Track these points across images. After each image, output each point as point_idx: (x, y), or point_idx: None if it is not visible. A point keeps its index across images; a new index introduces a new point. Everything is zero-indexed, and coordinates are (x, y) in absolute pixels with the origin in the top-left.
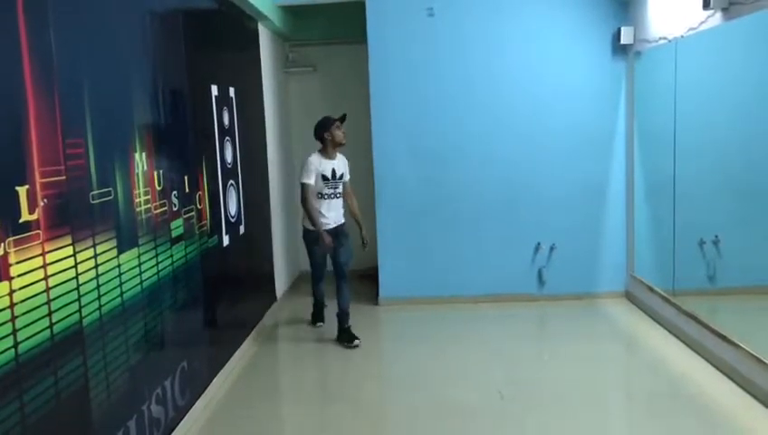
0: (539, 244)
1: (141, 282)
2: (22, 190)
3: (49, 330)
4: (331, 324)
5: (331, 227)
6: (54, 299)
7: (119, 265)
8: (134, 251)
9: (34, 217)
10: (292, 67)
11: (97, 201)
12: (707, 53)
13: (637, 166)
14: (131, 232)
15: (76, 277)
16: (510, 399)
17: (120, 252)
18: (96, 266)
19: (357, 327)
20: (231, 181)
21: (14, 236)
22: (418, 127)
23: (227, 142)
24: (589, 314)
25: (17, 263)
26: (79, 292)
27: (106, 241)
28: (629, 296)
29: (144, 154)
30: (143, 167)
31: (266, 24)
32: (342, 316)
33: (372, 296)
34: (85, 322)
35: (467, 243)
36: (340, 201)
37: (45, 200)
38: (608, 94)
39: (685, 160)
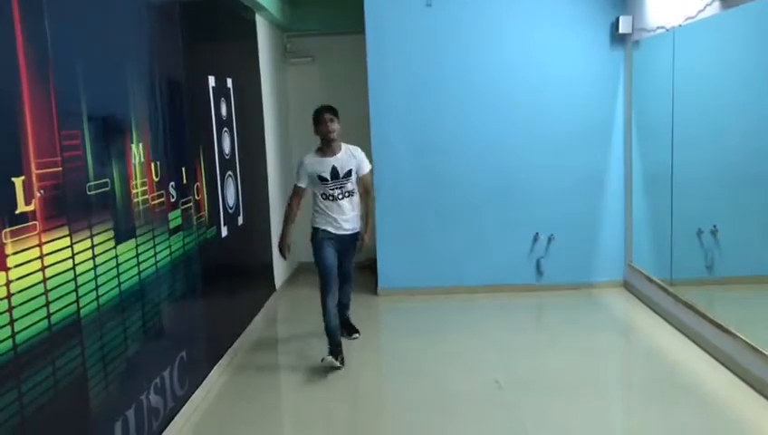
0: (537, 234)
1: (139, 273)
2: (18, 181)
3: (46, 320)
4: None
5: (348, 233)
6: (52, 290)
7: (116, 256)
8: (131, 242)
9: (31, 208)
10: (291, 57)
11: (94, 192)
12: (705, 43)
13: (635, 155)
14: (129, 223)
15: (73, 268)
16: (507, 388)
17: (117, 243)
18: (93, 257)
19: (356, 318)
20: (229, 172)
21: (10, 226)
22: (417, 118)
23: (225, 133)
24: (587, 303)
25: (14, 253)
26: (76, 282)
27: (103, 232)
28: (627, 286)
29: (141, 145)
30: (140, 158)
31: (264, 15)
32: (341, 308)
33: (371, 287)
34: (83, 312)
35: (466, 234)
36: (354, 202)
37: (42, 191)
38: (606, 84)
39: (683, 150)
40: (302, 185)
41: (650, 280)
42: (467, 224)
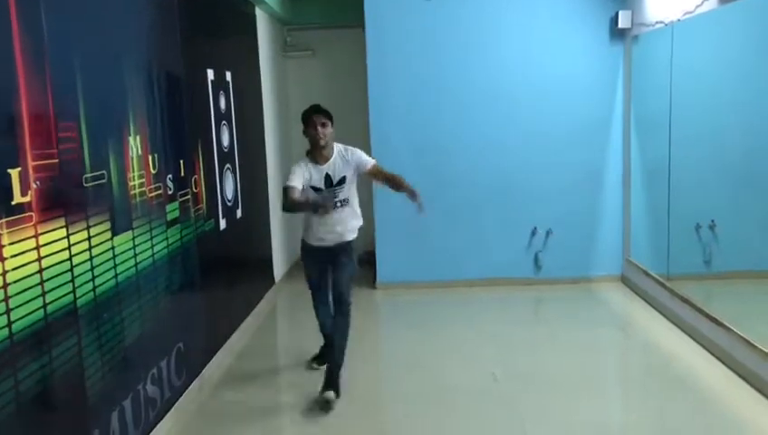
0: (535, 228)
1: (136, 264)
2: (14, 173)
3: (42, 310)
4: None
5: (327, 245)
6: (48, 280)
7: (113, 248)
8: (128, 234)
9: (27, 199)
10: (291, 51)
11: (90, 184)
12: (703, 37)
13: (634, 150)
14: (126, 215)
15: (70, 259)
16: (504, 380)
17: (114, 234)
18: (90, 248)
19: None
20: (228, 165)
21: (6, 217)
22: (416, 113)
23: (224, 127)
24: (584, 298)
25: (10, 244)
26: (72, 273)
27: (100, 223)
28: (625, 280)
29: (138, 138)
30: (137, 150)
31: (264, 8)
32: (330, 359)
33: (370, 280)
34: (79, 302)
35: (465, 227)
36: (347, 212)
37: (38, 183)
38: (605, 79)
39: (681, 145)
40: (295, 184)
41: (647, 274)
42: (466, 218)
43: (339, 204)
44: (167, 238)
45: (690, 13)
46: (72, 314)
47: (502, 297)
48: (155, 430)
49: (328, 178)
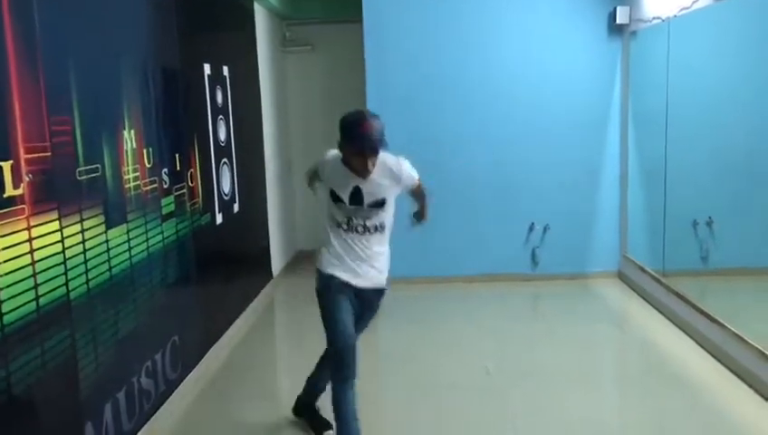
0: (533, 224)
1: (131, 257)
2: (6, 165)
3: (35, 302)
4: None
5: (371, 287)
6: (40, 272)
7: (107, 241)
8: (123, 227)
9: (19, 191)
10: (290, 46)
11: (84, 177)
12: (701, 33)
13: (631, 146)
14: (120, 208)
15: (63, 252)
16: (501, 376)
17: (108, 228)
18: (83, 242)
19: None
20: (224, 160)
21: None
22: (414, 109)
23: (221, 121)
24: (581, 293)
25: (2, 236)
26: (66, 266)
27: (93, 217)
28: (622, 277)
29: (133, 131)
30: (132, 144)
31: (262, 3)
32: (316, 390)
33: None
34: (72, 295)
35: (463, 223)
36: (377, 243)
37: (30, 176)
38: (603, 75)
39: (679, 141)
40: (316, 170)
41: (644, 271)
42: (464, 213)
43: (374, 229)
44: (162, 232)
45: (687, 9)
46: (64, 306)
47: (500, 293)
48: (149, 422)
49: (357, 192)
